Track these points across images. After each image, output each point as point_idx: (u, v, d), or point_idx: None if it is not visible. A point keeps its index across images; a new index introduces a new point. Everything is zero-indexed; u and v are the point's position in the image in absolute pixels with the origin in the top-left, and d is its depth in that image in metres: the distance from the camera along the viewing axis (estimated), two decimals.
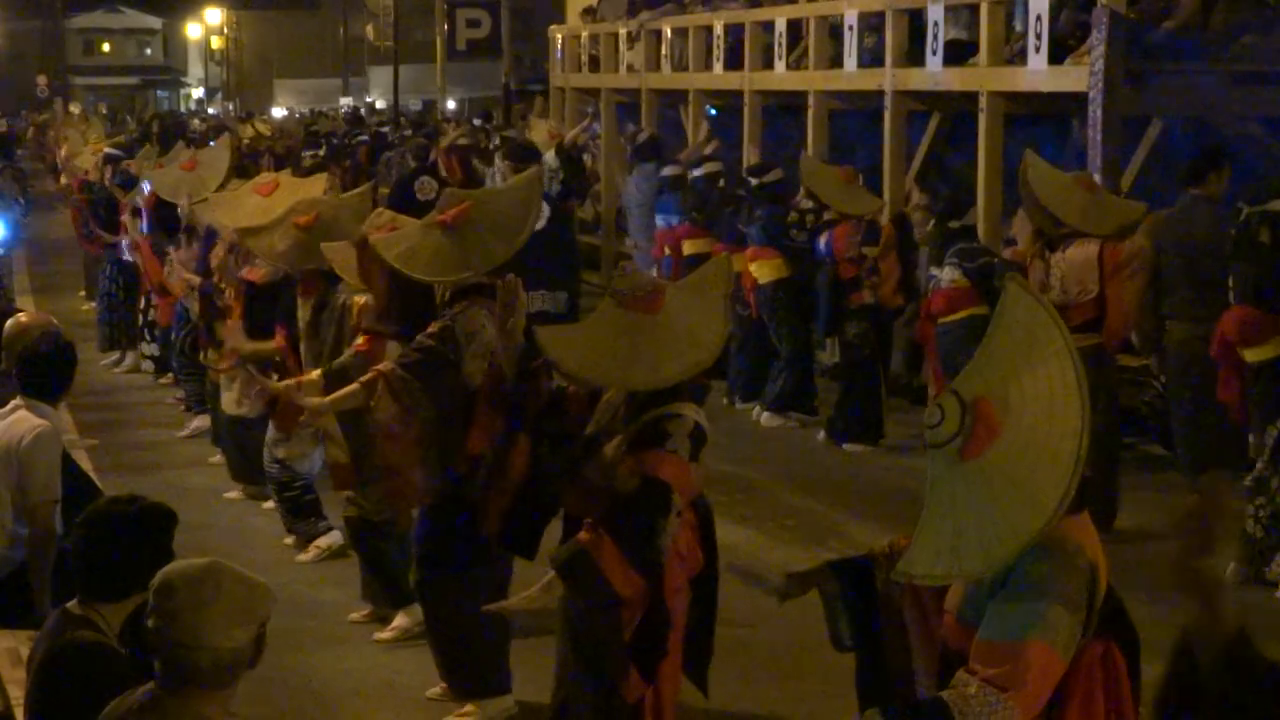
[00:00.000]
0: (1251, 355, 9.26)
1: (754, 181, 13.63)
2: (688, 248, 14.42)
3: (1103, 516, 9.84)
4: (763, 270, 13.19)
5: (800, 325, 13.18)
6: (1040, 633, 4.02)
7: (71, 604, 4.89)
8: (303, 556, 9.77)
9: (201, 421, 12.61)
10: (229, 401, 10.70)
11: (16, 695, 5.37)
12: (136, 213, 14.26)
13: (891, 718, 4.14)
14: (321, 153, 21.76)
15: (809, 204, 13.17)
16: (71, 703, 4.65)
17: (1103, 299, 9.68)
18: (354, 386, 7.08)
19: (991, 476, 4.04)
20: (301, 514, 9.85)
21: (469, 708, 7.34)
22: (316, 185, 10.89)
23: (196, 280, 11.30)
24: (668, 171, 15.44)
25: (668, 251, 14.85)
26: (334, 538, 9.70)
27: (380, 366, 7.11)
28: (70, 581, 5.09)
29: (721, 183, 14.52)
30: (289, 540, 9.96)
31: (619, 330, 5.55)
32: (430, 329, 7.12)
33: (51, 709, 4.75)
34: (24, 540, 6.75)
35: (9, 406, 6.92)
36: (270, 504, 10.27)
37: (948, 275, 11.25)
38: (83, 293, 19.83)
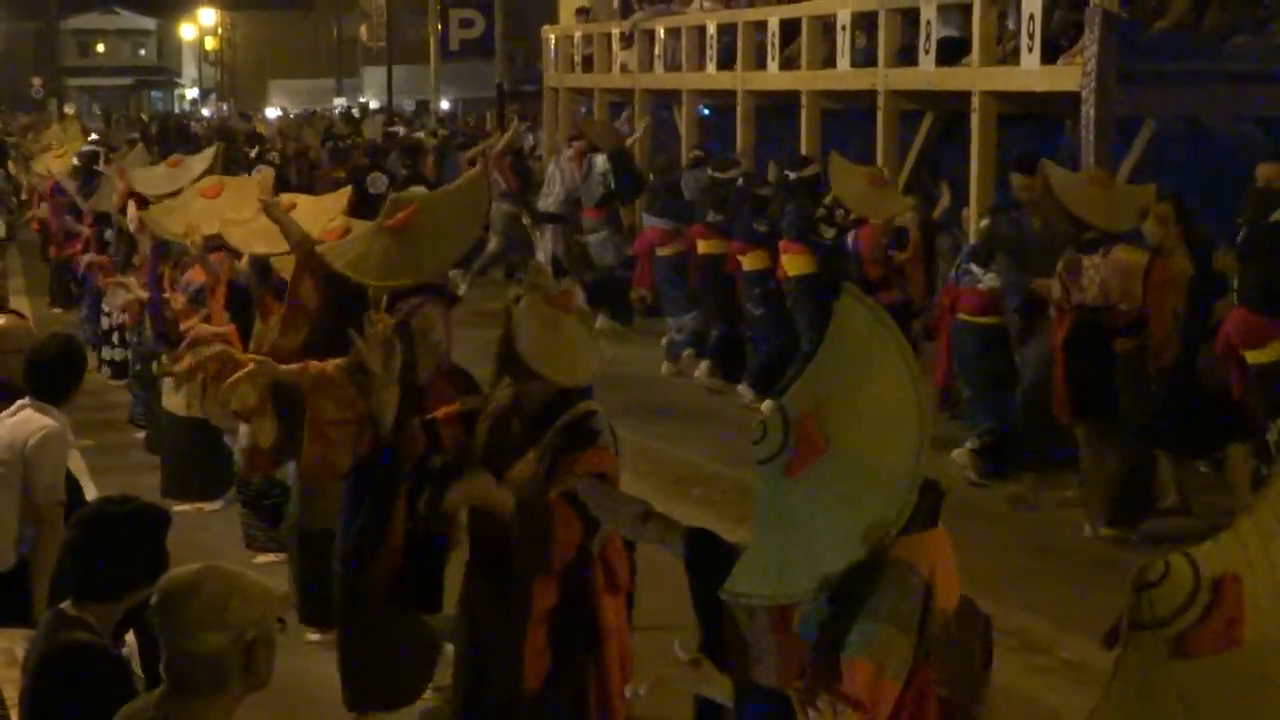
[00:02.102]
0: (1253, 357, 9.30)
1: (791, 175, 13.61)
2: (702, 247, 14.50)
3: (1138, 513, 9.91)
4: (792, 264, 13.16)
5: (822, 320, 13.06)
6: (870, 654, 3.91)
7: (65, 605, 4.89)
8: (259, 560, 9.53)
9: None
10: (178, 404, 10.43)
11: (11, 696, 5.37)
12: (98, 221, 14.23)
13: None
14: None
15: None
16: (64, 705, 4.66)
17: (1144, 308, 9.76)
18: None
19: (819, 493, 3.92)
20: (277, 520, 9.63)
21: None
22: (262, 185, 10.86)
23: (143, 295, 11.12)
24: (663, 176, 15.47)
25: (667, 251, 14.89)
26: None
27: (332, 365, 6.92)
28: (65, 582, 5.10)
29: (740, 183, 14.55)
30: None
31: (545, 325, 5.57)
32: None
33: (45, 711, 4.75)
34: (29, 540, 6.79)
35: (15, 406, 6.94)
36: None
37: (989, 280, 11.24)
38: (48, 298, 19.89)
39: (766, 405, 4.06)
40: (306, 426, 6.49)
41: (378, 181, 14.26)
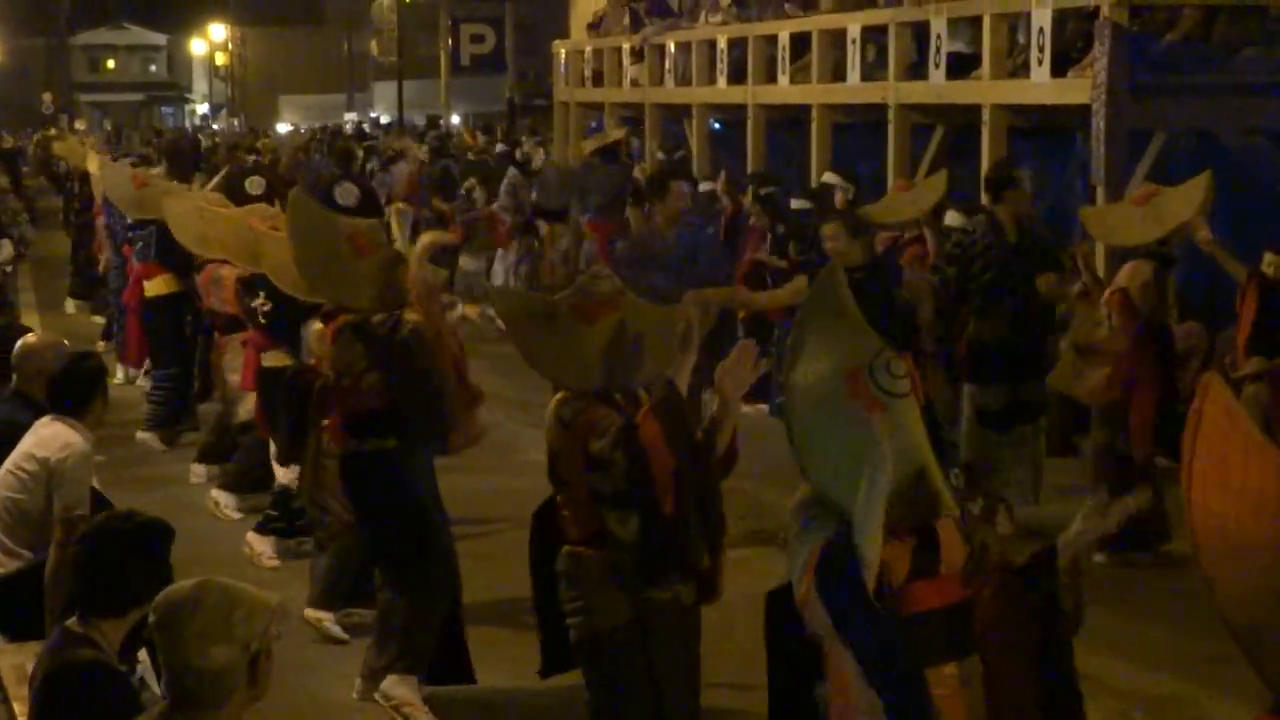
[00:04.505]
0: None
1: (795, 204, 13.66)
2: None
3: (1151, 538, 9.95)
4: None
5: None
6: None
7: (71, 621, 4.89)
8: (270, 561, 9.81)
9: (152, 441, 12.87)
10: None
11: (22, 711, 5.36)
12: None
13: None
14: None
15: None
16: None
17: None
18: None
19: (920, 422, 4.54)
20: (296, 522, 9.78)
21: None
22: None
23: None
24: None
25: None
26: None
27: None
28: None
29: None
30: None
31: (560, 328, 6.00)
32: None
33: None
34: (43, 546, 6.89)
35: (43, 421, 7.14)
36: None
37: None
38: (74, 307, 19.92)
39: (876, 348, 4.48)
40: None
41: (347, 193, 14.75)
